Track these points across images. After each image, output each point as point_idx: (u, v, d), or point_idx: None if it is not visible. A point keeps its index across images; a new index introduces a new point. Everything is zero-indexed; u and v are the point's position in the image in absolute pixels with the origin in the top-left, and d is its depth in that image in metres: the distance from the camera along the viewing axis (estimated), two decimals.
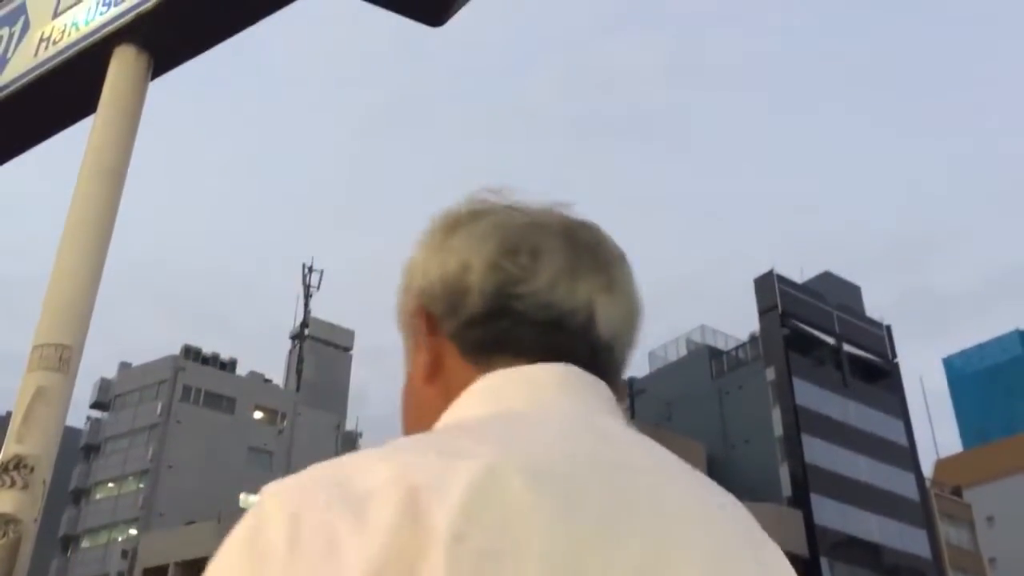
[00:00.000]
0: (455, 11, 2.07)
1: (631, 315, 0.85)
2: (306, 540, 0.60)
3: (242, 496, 44.34)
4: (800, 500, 35.51)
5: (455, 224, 0.84)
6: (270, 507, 0.62)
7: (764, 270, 41.16)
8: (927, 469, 46.75)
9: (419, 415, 0.82)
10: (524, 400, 0.75)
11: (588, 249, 0.84)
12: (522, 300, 0.79)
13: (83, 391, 50.45)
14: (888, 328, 44.15)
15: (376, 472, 0.62)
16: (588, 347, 0.80)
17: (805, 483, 35.63)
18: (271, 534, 0.61)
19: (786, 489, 36.44)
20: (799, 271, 44.50)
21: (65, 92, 1.91)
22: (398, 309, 0.88)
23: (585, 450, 0.69)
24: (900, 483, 39.17)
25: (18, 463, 1.33)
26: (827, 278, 44.88)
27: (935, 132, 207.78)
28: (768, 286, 40.24)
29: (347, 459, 0.66)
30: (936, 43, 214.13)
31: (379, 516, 0.59)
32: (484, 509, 0.60)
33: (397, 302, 0.88)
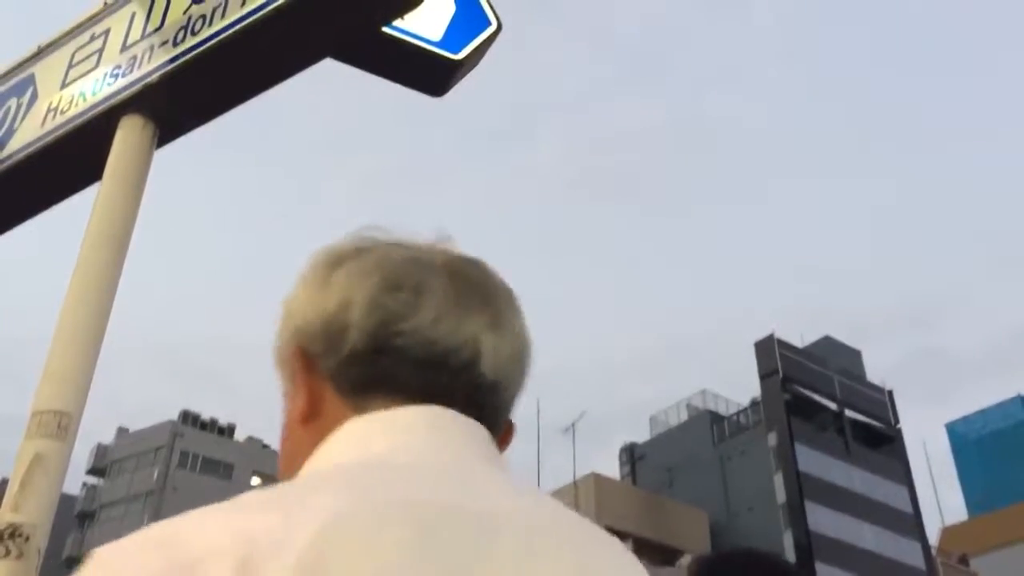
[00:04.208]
0: (456, 82, 2.11)
1: (519, 353, 0.81)
2: None
3: None
4: (805, 569, 34.96)
5: (338, 260, 0.81)
6: (90, 574, 0.57)
7: (764, 333, 41.15)
8: (933, 536, 46.09)
9: (293, 460, 0.77)
10: (388, 445, 0.71)
11: (473, 285, 0.80)
12: (404, 337, 0.75)
13: (80, 456, 50.03)
14: (890, 393, 43.94)
15: (211, 533, 0.58)
16: (471, 386, 0.76)
17: (810, 551, 35.10)
18: None
19: (790, 557, 35.90)
20: (799, 335, 44.44)
21: (71, 161, 1.94)
22: (275, 350, 0.84)
23: (443, 499, 0.63)
24: (906, 551, 38.59)
25: (13, 532, 1.32)
26: (827, 342, 44.82)
27: (934, 196, 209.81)
28: (768, 350, 40.15)
29: (186, 517, 0.61)
30: (939, 96, 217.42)
31: None
32: (322, 568, 0.55)
33: (274, 342, 0.84)
